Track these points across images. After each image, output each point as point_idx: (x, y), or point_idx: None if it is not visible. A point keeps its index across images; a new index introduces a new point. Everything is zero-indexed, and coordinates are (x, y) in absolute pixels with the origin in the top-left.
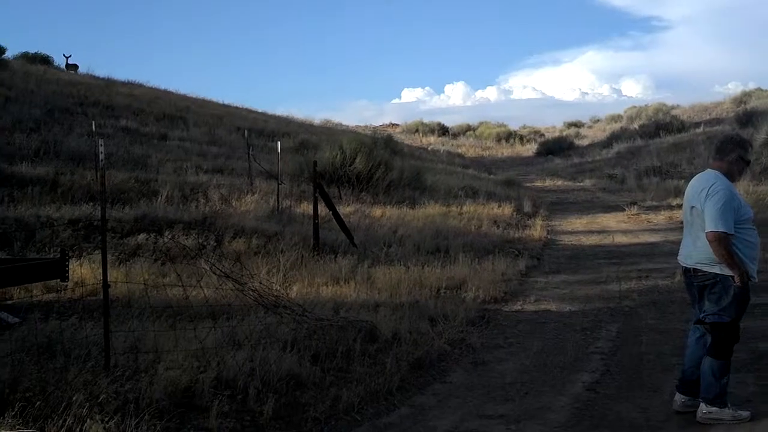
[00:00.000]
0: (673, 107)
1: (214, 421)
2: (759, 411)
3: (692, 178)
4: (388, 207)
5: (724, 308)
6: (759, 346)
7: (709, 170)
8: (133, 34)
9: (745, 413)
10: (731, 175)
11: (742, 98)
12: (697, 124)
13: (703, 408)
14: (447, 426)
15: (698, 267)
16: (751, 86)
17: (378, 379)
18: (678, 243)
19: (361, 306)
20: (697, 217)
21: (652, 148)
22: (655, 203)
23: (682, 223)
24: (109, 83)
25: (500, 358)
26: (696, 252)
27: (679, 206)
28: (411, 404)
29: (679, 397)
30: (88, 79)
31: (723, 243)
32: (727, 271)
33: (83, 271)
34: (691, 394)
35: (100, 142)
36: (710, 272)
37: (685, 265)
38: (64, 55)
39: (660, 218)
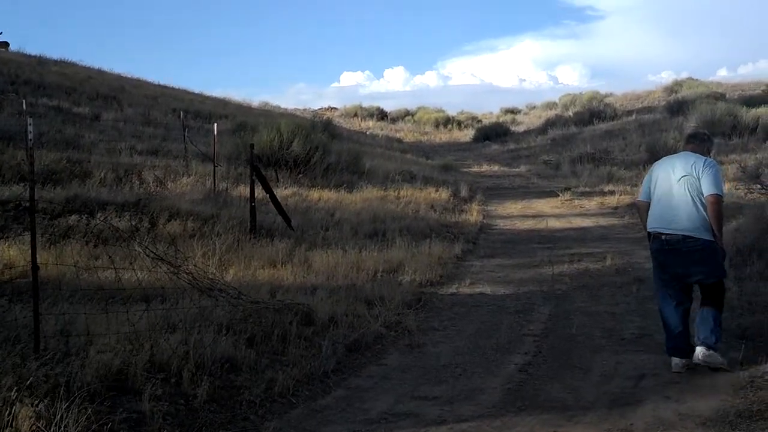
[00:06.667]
0: (606, 95)
1: (147, 404)
2: None
3: (661, 159)
4: (326, 190)
5: (717, 268)
6: None
7: (687, 152)
8: (66, 12)
9: (726, 360)
10: None
11: (674, 87)
12: (630, 113)
13: (705, 351)
14: (382, 407)
15: (690, 235)
16: (684, 76)
17: (314, 362)
18: (609, 227)
19: (297, 289)
20: (690, 186)
21: (586, 135)
22: (588, 189)
23: (616, 208)
24: (41, 61)
25: (435, 341)
26: (689, 220)
27: (611, 192)
28: (347, 386)
29: (678, 361)
30: (19, 57)
31: (720, 205)
32: (711, 237)
33: (12, 252)
34: (687, 356)
35: (29, 122)
36: (701, 238)
37: (673, 233)
38: None
39: (592, 204)
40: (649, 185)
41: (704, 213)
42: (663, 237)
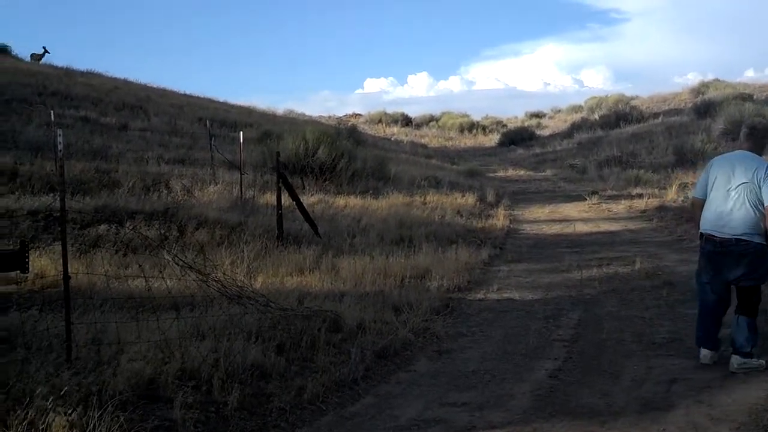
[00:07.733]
0: (632, 98)
1: (179, 412)
2: None
3: (720, 157)
4: (352, 197)
5: (762, 272)
6: None
7: (743, 151)
8: (92, 23)
9: (763, 361)
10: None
11: (700, 89)
12: (656, 115)
13: (740, 359)
14: (411, 414)
15: (743, 237)
16: (710, 77)
17: (343, 369)
18: (638, 231)
19: (325, 296)
20: (749, 193)
21: (612, 139)
22: (615, 192)
23: (644, 211)
24: (67, 73)
25: (464, 347)
26: (744, 224)
27: (639, 195)
28: (375, 393)
29: (707, 353)
30: (46, 69)
31: None
32: (764, 240)
33: (43, 262)
34: (716, 348)
35: (58, 133)
36: (753, 242)
37: (727, 237)
38: (44, 47)
39: (620, 207)
40: (706, 183)
41: (759, 218)
42: (717, 239)
